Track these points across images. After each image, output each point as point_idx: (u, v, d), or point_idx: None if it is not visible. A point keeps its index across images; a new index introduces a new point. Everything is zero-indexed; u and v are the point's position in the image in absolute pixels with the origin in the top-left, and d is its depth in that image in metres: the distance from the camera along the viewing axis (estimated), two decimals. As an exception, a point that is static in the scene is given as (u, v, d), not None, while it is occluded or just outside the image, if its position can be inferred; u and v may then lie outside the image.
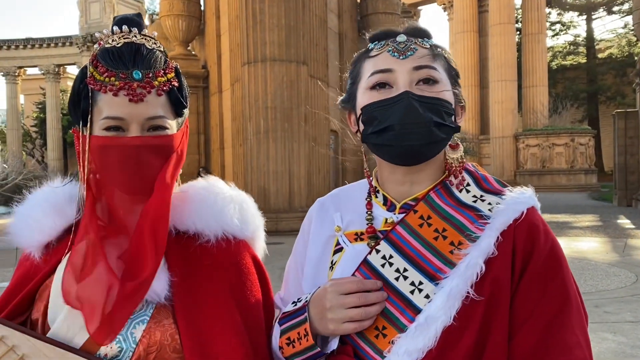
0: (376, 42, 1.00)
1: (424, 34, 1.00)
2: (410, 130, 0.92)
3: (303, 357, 0.95)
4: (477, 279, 0.88)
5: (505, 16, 28.10)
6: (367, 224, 1.01)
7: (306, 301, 0.97)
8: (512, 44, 28.57)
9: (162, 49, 0.99)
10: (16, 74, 35.25)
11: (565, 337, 0.87)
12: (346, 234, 1.02)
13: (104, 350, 0.90)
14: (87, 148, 0.93)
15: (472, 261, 0.89)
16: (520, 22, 31.13)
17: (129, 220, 0.95)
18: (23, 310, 0.96)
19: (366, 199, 1.05)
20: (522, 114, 29.53)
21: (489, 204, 0.95)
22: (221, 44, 15.32)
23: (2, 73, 35.30)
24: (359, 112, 1.00)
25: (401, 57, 0.95)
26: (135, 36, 0.95)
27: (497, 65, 28.13)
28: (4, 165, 27.03)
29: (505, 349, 0.88)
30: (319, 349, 0.93)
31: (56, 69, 34.80)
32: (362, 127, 1.00)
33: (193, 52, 17.27)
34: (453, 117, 0.97)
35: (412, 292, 0.91)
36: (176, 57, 16.45)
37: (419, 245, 0.94)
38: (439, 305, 0.88)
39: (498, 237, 0.91)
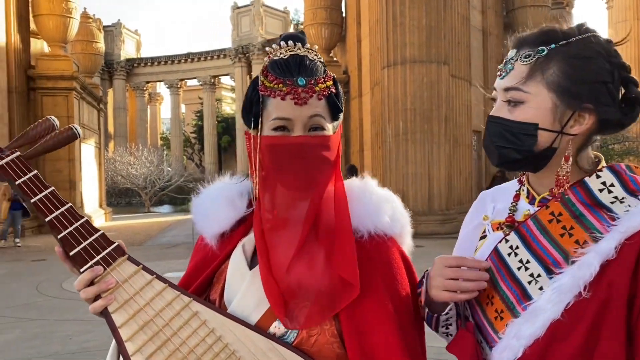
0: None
1: (539, 42, 0.98)
2: (487, 149, 1.04)
3: (426, 318, 1.10)
4: (591, 279, 0.89)
5: (677, -1, 24.92)
6: (508, 214, 1.07)
7: (427, 271, 1.07)
8: (687, 29, 25.22)
9: (322, 60, 1.10)
10: (178, 86, 39.15)
11: None
12: (492, 223, 1.10)
13: (272, 329, 1.02)
14: (258, 148, 1.05)
15: (586, 261, 0.90)
16: (697, 4, 27.32)
17: (291, 214, 1.05)
18: (202, 291, 1.12)
19: (516, 191, 1.10)
20: (700, 109, 25.86)
21: (628, 206, 0.93)
22: (361, 48, 15.59)
23: (167, 85, 39.45)
24: None
25: (500, 77, 1.01)
26: (300, 49, 1.07)
27: (667, 55, 25.02)
28: (168, 168, 30.18)
29: (620, 356, 0.87)
30: (427, 309, 1.08)
31: (212, 80, 38.01)
32: None
33: (335, 59, 17.79)
34: (542, 137, 0.97)
35: (529, 282, 0.96)
36: (318, 64, 17.09)
37: (544, 240, 0.97)
38: (547, 298, 0.92)
39: (623, 242, 0.89)
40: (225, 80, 43.35)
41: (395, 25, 11.53)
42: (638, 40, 27.76)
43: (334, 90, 1.08)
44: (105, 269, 0.96)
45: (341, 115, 1.11)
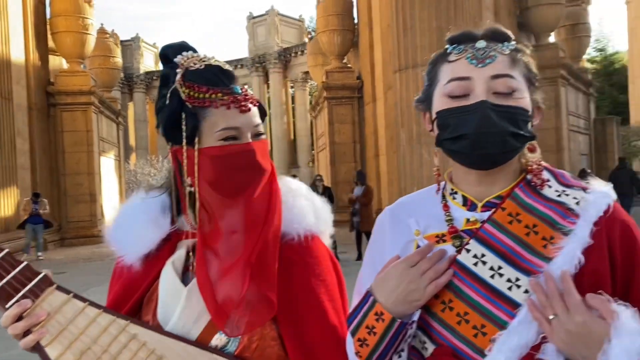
0: (455, 45, 1.00)
1: (504, 38, 0.99)
2: (485, 139, 0.92)
3: (386, 341, 0.93)
4: (577, 270, 0.88)
5: (699, -9, 24.34)
6: (448, 225, 1.00)
7: (368, 290, 0.98)
8: None
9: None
10: (197, 96, 39.53)
11: None
12: (426, 237, 1.02)
13: (214, 341, 1.02)
14: (195, 162, 1.02)
15: (569, 253, 0.89)
16: None
17: (242, 222, 1.03)
18: (133, 316, 1.08)
19: (441, 201, 1.05)
20: None
21: (574, 197, 0.95)
22: (374, 53, 15.54)
23: (186, 97, 39.87)
24: (434, 114, 1.01)
25: (479, 65, 0.95)
26: (209, 59, 1.06)
27: (690, 49, 24.44)
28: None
29: None
30: (399, 320, 0.92)
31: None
32: (436, 130, 1.00)
33: (348, 65, 17.77)
34: (529, 125, 0.97)
35: (509, 288, 0.91)
36: (332, 71, 17.11)
37: (510, 242, 0.93)
38: None
39: (592, 229, 0.90)
40: (243, 90, 43.54)
41: (405, 28, 11.48)
42: (659, 35, 27.16)
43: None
44: (33, 301, 0.92)
45: (265, 119, 1.12)
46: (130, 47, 38.90)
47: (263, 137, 1.07)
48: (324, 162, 18.11)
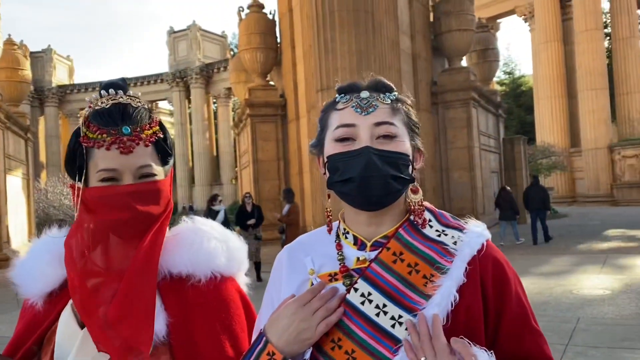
0: (342, 95, 1.07)
1: (386, 89, 1.07)
2: (370, 182, 0.98)
3: None
4: (452, 307, 0.94)
5: (592, 22, 26.70)
6: (340, 264, 1.04)
7: (261, 330, 1.00)
8: (601, 50, 27.05)
9: (146, 107, 1.10)
10: (114, 111, 38.06)
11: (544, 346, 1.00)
12: (320, 276, 1.05)
13: None
14: (79, 200, 1.02)
15: (446, 291, 0.94)
16: (610, 27, 29.42)
17: (125, 265, 1.02)
18: (33, 355, 1.05)
19: (335, 240, 1.09)
20: (617, 124, 27.71)
21: (452, 237, 1.02)
22: (297, 73, 15.72)
23: (102, 112, 38.28)
24: (325, 158, 1.06)
25: (363, 114, 1.02)
26: (122, 97, 1.06)
27: (585, 74, 26.71)
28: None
29: None
30: (291, 359, 0.96)
31: (149, 105, 37.19)
32: (328, 173, 1.06)
33: (271, 83, 17.84)
34: (410, 168, 1.04)
35: (392, 326, 0.95)
36: (255, 88, 17.11)
37: (394, 281, 0.98)
38: None
39: (466, 268, 0.97)
40: (164, 105, 42.57)
41: (327, 50, 11.73)
42: (559, 60, 29.51)
43: (161, 135, 1.08)
44: None
45: (171, 160, 1.12)
46: (42, 59, 36.98)
47: (153, 178, 1.04)
48: (247, 179, 17.98)
